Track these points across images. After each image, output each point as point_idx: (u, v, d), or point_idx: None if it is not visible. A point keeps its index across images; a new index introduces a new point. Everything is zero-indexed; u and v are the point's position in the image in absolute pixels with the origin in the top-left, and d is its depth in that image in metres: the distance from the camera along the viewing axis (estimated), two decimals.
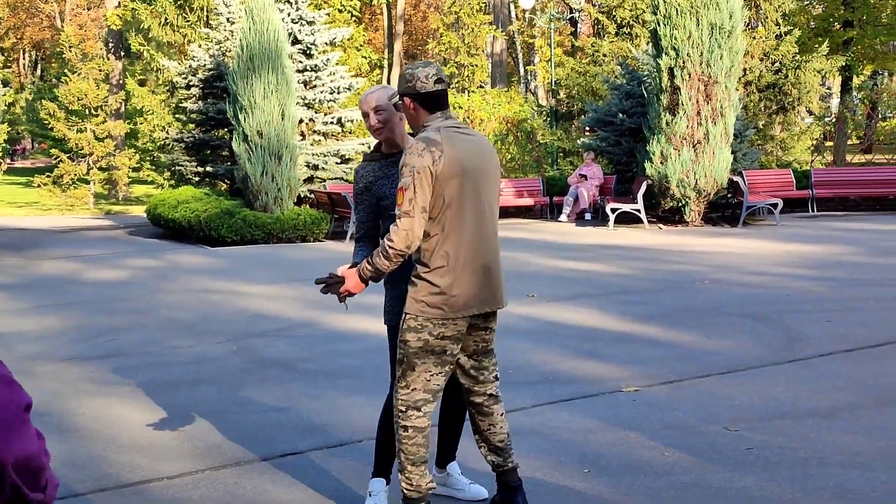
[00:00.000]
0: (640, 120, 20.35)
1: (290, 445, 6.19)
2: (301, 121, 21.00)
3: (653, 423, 6.43)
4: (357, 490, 5.33)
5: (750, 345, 8.70)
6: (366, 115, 4.95)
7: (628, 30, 29.16)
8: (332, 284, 4.76)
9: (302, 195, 20.42)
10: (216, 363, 8.61)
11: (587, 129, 25.00)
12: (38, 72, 69.00)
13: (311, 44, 21.95)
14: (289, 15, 21.56)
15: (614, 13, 30.05)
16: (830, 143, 34.40)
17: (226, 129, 20.75)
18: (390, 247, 4.37)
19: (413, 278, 4.57)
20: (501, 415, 4.86)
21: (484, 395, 4.82)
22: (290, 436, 6.39)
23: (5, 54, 59.81)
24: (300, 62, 21.55)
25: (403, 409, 4.63)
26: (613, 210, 19.70)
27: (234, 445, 6.22)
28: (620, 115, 21.47)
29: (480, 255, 4.62)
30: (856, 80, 38.80)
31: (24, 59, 71.56)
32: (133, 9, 31.31)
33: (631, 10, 28.83)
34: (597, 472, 5.51)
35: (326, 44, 22.55)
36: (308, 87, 21.69)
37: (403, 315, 4.60)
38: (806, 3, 34.29)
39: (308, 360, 8.65)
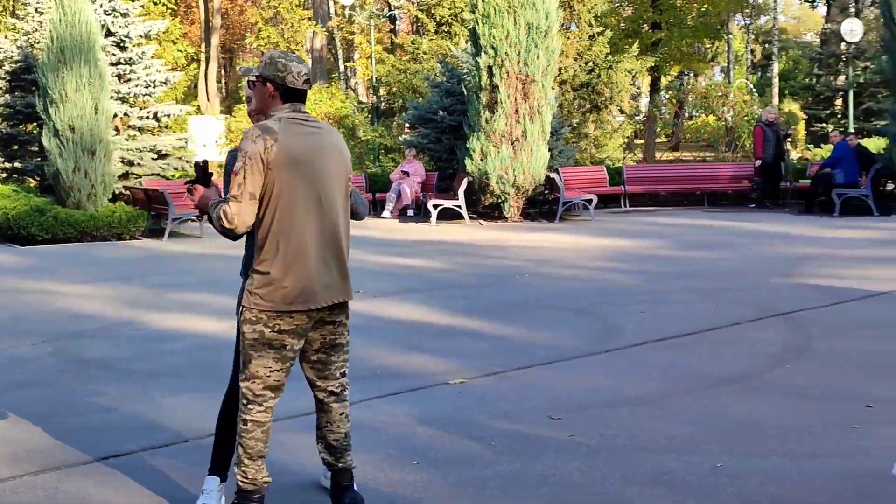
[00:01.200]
0: (461, 117, 20.57)
1: (115, 447, 6.02)
2: (115, 115, 20.42)
3: (478, 415, 6.55)
4: (186, 488, 5.25)
5: (569, 336, 8.95)
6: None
7: (448, 28, 29.51)
8: (199, 180, 4.66)
9: (117, 192, 19.82)
10: (33, 364, 8.33)
11: (408, 126, 25.12)
12: None
13: (126, 36, 21.38)
14: (101, 6, 20.93)
15: (433, 11, 30.35)
16: (641, 141, 35.61)
17: (35, 124, 19.97)
18: (223, 220, 4.35)
19: (250, 270, 4.53)
20: (342, 414, 4.81)
21: (325, 391, 4.77)
22: (115, 437, 6.22)
23: None
24: (114, 55, 20.96)
25: (245, 402, 4.58)
26: (435, 206, 19.90)
27: (55, 449, 6.02)
28: (441, 112, 21.68)
29: (316, 247, 4.54)
30: (664, 81, 40.27)
31: None
32: None
33: (450, 9, 29.17)
34: (426, 465, 5.58)
35: (141, 36, 22.01)
36: (122, 80, 21.13)
37: (241, 307, 4.57)
38: (617, 4, 35.38)
39: (130, 360, 8.47)
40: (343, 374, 4.83)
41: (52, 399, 7.22)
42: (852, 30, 25.12)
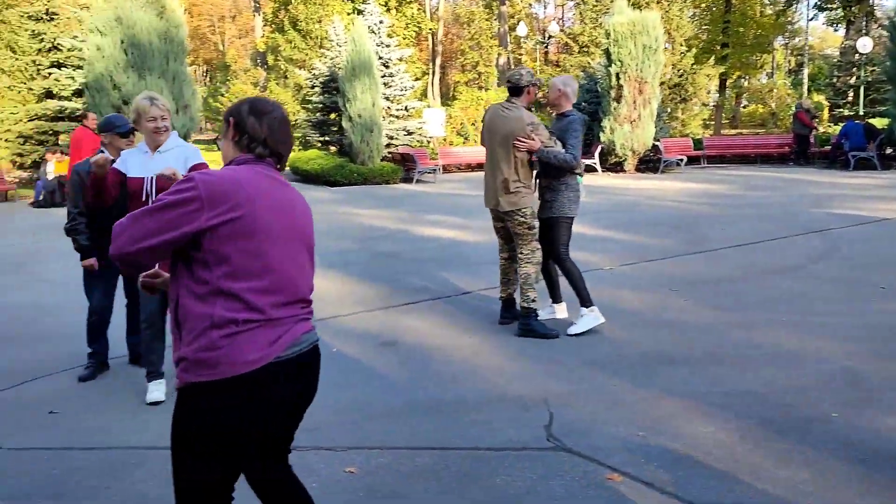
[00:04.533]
0: (596, 106, 20.14)
1: (411, 298, 6.48)
2: (383, 108, 20.98)
3: (624, 287, 6.68)
4: (461, 322, 5.61)
5: (674, 242, 8.90)
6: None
7: (587, 49, 28.77)
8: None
9: (385, 154, 20.47)
10: (352, 255, 8.80)
11: None
12: (208, 79, 68.42)
13: (389, 59, 21.84)
14: (375, 43, 21.42)
15: (577, 38, 29.64)
16: (713, 121, 34.08)
17: (336, 114, 20.73)
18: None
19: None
20: (518, 268, 5.24)
21: (518, 253, 5.25)
22: (410, 292, 6.68)
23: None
24: (382, 70, 21.44)
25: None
26: None
27: (377, 298, 6.51)
28: (583, 103, 21.27)
29: (487, 176, 5.27)
30: (729, 82, 38.14)
31: (198, 72, 70.84)
32: (272, 37, 31.14)
33: (588, 37, 28.42)
34: (600, 308, 5.76)
35: (398, 59, 22.41)
36: (387, 86, 21.61)
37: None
38: (698, 31, 33.60)
39: (405, 252, 8.88)
40: (522, 253, 5.19)
41: (363, 271, 7.75)
42: (864, 45, 23.15)
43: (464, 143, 24.04)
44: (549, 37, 39.10)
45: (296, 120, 24.06)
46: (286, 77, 31.78)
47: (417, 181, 19.00)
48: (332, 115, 21.34)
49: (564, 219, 5.27)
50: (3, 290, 7.27)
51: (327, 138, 21.18)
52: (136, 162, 4.08)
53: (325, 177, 18.35)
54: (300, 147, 24.10)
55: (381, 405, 4.10)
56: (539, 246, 5.22)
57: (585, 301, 5.27)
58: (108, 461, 3.49)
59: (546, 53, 42.86)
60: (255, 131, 2.15)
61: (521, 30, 27.57)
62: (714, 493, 3.01)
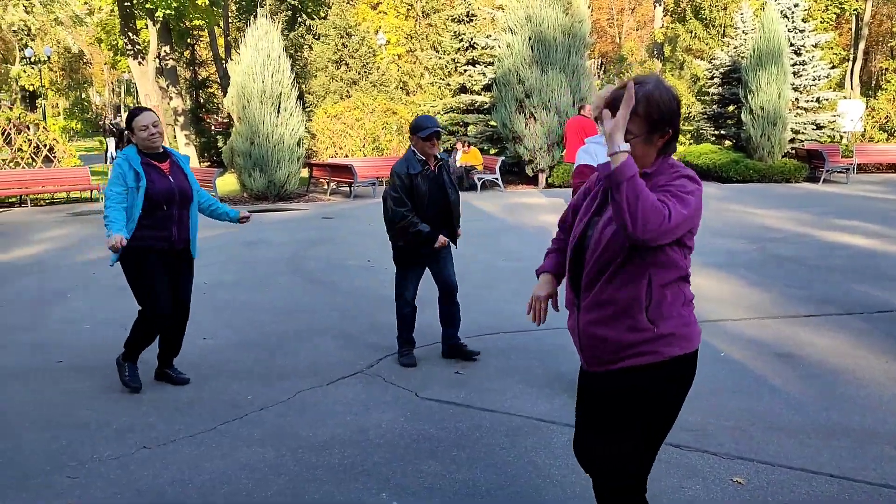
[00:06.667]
0: None
1: (814, 309, 5.94)
2: (790, 99, 19.37)
3: None
4: (888, 344, 5.02)
5: None
6: None
7: None
8: None
9: (787, 150, 18.91)
10: (742, 256, 8.35)
11: None
12: (602, 72, 70.24)
13: (801, 46, 20.04)
14: (786, 27, 19.80)
15: None
16: None
17: (735, 106, 19.70)
18: None
19: None
20: None
21: None
22: (812, 303, 6.11)
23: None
24: (792, 58, 19.76)
25: None
26: None
27: (773, 305, 6.11)
28: None
29: None
30: None
31: (593, 64, 73.07)
32: (672, 27, 30.73)
33: None
34: None
35: (812, 46, 20.43)
36: (796, 76, 19.87)
37: None
38: None
39: (809, 258, 8.15)
40: None
41: (758, 275, 7.25)
42: None
43: (887, 139, 21.04)
44: None
45: (689, 112, 23.49)
46: (682, 68, 31.15)
47: (825, 181, 17.25)
48: (730, 108, 20.38)
49: None
50: None
51: (722, 132, 20.30)
52: (601, 151, 4.28)
53: (716, 172, 17.65)
54: (691, 140, 23.50)
55: (775, 419, 3.86)
56: None
57: None
58: (505, 425, 3.87)
59: None
60: (678, 130, 2.18)
61: None
62: None
